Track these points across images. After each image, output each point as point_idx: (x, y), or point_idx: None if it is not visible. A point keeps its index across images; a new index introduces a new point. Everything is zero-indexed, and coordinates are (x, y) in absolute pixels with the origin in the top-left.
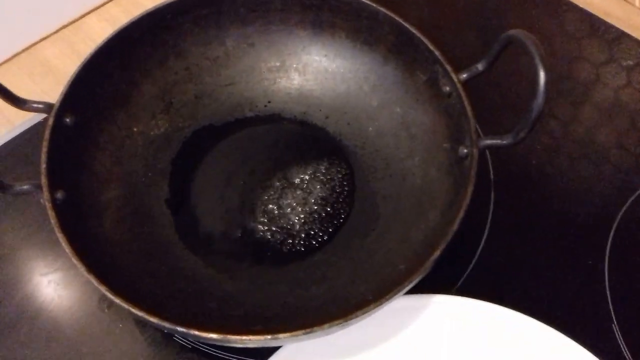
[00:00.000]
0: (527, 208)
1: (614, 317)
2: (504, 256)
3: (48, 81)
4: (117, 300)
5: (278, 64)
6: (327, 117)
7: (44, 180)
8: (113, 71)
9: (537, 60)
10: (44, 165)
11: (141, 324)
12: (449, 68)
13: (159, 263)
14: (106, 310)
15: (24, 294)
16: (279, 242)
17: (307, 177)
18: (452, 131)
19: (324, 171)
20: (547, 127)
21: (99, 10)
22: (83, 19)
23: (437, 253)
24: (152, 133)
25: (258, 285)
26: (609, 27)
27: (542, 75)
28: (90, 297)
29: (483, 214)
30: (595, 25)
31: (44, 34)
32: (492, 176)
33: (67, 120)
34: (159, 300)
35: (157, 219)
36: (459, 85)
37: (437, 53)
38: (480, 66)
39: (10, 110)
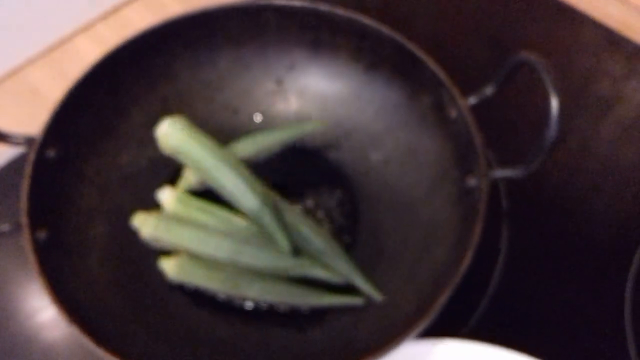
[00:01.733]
0: (544, 239)
1: None
2: (519, 294)
3: (35, 106)
4: (103, 353)
5: (275, 87)
6: (327, 143)
7: (24, 220)
8: (99, 99)
9: (549, 86)
10: (25, 204)
11: None
12: (455, 92)
13: (148, 305)
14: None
15: (9, 336)
16: None
17: (305, 208)
18: (460, 159)
19: (324, 201)
20: (565, 145)
21: (88, 31)
22: (72, 40)
23: (443, 297)
24: (141, 163)
25: (253, 328)
26: (628, 40)
27: (554, 102)
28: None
29: (495, 248)
30: (613, 39)
31: (30, 57)
32: (504, 206)
33: (50, 154)
34: (148, 348)
35: (145, 256)
36: (465, 112)
37: (441, 76)
38: (488, 90)
39: None
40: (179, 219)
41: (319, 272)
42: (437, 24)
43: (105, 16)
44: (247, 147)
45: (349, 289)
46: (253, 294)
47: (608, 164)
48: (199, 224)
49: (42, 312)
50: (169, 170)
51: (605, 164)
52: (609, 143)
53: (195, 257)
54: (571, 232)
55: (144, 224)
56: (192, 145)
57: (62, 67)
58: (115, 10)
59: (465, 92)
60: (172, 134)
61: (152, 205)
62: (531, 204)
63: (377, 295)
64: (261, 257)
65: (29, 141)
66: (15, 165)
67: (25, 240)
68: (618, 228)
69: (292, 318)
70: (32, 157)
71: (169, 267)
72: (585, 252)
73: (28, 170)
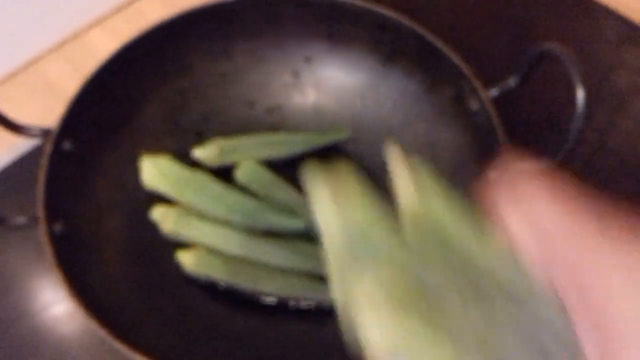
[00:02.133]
0: None
1: None
2: None
3: (50, 99)
4: (120, 346)
5: (291, 79)
6: (345, 137)
7: (41, 213)
8: (115, 92)
9: (575, 78)
10: (41, 197)
11: None
12: (477, 84)
13: (164, 298)
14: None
15: (25, 329)
16: None
17: None
18: (481, 152)
19: None
20: (583, 139)
21: (103, 23)
22: (86, 33)
23: None
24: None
25: (271, 323)
26: None
27: (580, 94)
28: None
29: None
30: (634, 31)
31: (44, 50)
32: None
33: (66, 146)
34: (164, 341)
35: (161, 249)
36: (487, 103)
37: (463, 67)
38: (512, 82)
39: (6, 135)
40: (199, 214)
41: None
42: (454, 15)
43: (119, 9)
44: (268, 148)
45: None
46: (272, 289)
47: (624, 157)
48: (220, 220)
49: (56, 305)
50: (188, 162)
51: (621, 157)
52: (627, 136)
53: (213, 251)
54: None
55: (164, 218)
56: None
57: (77, 60)
58: (129, 2)
59: (486, 84)
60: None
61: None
62: None
63: None
64: (283, 256)
65: (45, 133)
66: (30, 158)
67: (41, 233)
68: None
69: (311, 312)
70: (48, 149)
71: (187, 259)
72: None
73: (44, 162)
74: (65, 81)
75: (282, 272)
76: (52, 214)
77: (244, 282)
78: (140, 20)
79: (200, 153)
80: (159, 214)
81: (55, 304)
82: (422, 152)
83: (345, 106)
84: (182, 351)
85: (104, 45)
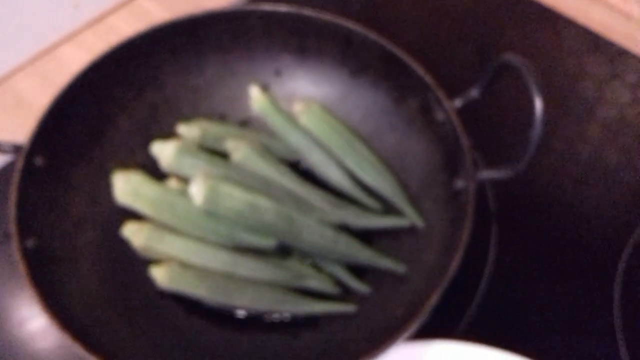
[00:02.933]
0: (532, 240)
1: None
2: (509, 294)
3: (21, 115)
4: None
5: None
6: None
7: (13, 228)
8: (86, 106)
9: (533, 88)
10: (13, 213)
11: None
12: (441, 95)
13: (139, 313)
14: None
15: (1, 345)
16: None
17: None
18: (448, 162)
19: None
20: (550, 147)
21: (74, 38)
22: (58, 48)
23: (433, 299)
24: (129, 169)
25: (246, 334)
26: (610, 43)
27: (538, 103)
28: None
29: (484, 249)
30: (596, 42)
31: (16, 65)
32: (492, 207)
33: (38, 161)
34: (139, 355)
35: (135, 263)
36: (451, 114)
37: (427, 79)
38: (474, 92)
39: None
40: (170, 230)
41: (314, 283)
42: (420, 28)
43: (90, 24)
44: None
45: (340, 297)
46: (245, 302)
47: (592, 165)
48: (192, 235)
49: (32, 320)
50: (160, 173)
51: (589, 165)
52: (593, 145)
53: (186, 265)
54: (558, 233)
55: (135, 234)
56: None
57: (48, 75)
58: (100, 18)
59: (451, 95)
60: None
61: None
62: (518, 206)
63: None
64: (257, 269)
65: (16, 149)
66: (1, 174)
67: (14, 249)
68: (605, 228)
69: (285, 324)
70: (19, 165)
71: (160, 275)
72: (573, 252)
73: (16, 178)
74: (37, 97)
75: (254, 286)
76: (25, 229)
77: (217, 296)
78: (112, 35)
79: (184, 129)
80: (130, 231)
81: (30, 320)
82: (391, 161)
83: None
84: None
85: (76, 60)
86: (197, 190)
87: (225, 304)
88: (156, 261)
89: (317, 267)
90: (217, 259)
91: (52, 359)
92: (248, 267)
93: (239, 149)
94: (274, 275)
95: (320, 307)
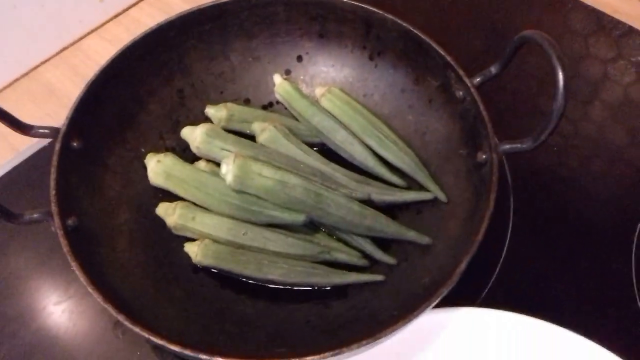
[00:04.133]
0: (547, 213)
1: None
2: (527, 264)
3: (51, 104)
4: (137, 329)
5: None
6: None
7: (54, 208)
8: (118, 91)
9: (555, 61)
10: (53, 192)
11: (159, 350)
12: (461, 73)
13: (175, 286)
14: (121, 336)
15: (38, 324)
16: None
17: None
18: (468, 137)
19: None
20: (558, 128)
21: (99, 30)
22: (84, 39)
23: (462, 265)
24: (161, 151)
25: (278, 304)
26: (617, 23)
27: (560, 76)
28: (105, 324)
29: (503, 222)
30: (602, 22)
31: (45, 57)
32: (510, 182)
33: (75, 144)
34: (178, 326)
35: (170, 240)
36: (473, 90)
37: (448, 58)
38: (493, 69)
39: (14, 136)
40: (201, 208)
41: (342, 256)
42: (433, 15)
43: (114, 17)
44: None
45: (368, 268)
46: (276, 276)
47: (597, 144)
48: (222, 214)
49: (67, 300)
50: (189, 156)
51: (596, 144)
52: (599, 125)
53: (218, 242)
54: (571, 205)
55: (168, 214)
56: None
57: (75, 66)
58: (123, 10)
59: (468, 74)
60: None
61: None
62: (533, 182)
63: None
64: (286, 244)
65: (54, 132)
66: (38, 159)
67: (56, 227)
68: (614, 202)
69: (316, 294)
70: (57, 147)
71: (194, 251)
72: (588, 222)
73: (55, 160)
74: (65, 86)
75: (284, 260)
76: (65, 209)
77: (249, 271)
78: (135, 27)
79: (211, 111)
80: (163, 210)
81: (67, 300)
82: (412, 139)
83: None
84: (195, 334)
85: (101, 51)
86: (228, 169)
87: (257, 278)
88: (189, 239)
89: (345, 241)
90: (247, 236)
91: (87, 338)
92: (278, 242)
93: (265, 131)
94: (304, 249)
95: (350, 278)
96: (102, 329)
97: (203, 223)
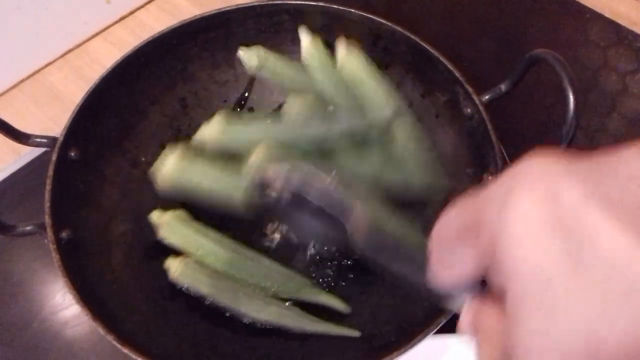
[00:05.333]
0: None
1: None
2: None
3: (54, 107)
4: (126, 350)
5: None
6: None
7: (48, 221)
8: (119, 100)
9: (566, 84)
10: (47, 204)
11: None
12: (470, 89)
13: (170, 302)
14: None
15: (34, 332)
16: None
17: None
18: (475, 156)
19: None
20: (574, 141)
21: (104, 33)
22: (89, 42)
23: None
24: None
25: (256, 341)
26: (636, 36)
27: (571, 99)
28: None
29: None
30: (621, 34)
31: (49, 59)
32: None
33: (72, 154)
34: (170, 344)
35: (168, 252)
36: (481, 108)
37: (457, 73)
38: (503, 87)
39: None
40: (195, 226)
41: (322, 298)
42: (443, 23)
43: (120, 19)
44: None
45: (349, 316)
46: (249, 311)
47: None
48: (211, 234)
49: (65, 309)
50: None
51: None
52: (617, 137)
53: (201, 263)
54: None
55: (161, 223)
56: None
57: (80, 68)
58: (129, 13)
59: (477, 90)
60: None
61: (173, 204)
62: None
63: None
64: (268, 276)
65: (51, 142)
66: (36, 165)
67: (49, 240)
68: None
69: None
70: (54, 157)
71: (174, 267)
72: None
73: (51, 171)
74: (69, 90)
75: (262, 296)
76: (59, 221)
77: (225, 299)
78: (141, 30)
79: (243, 54)
80: (156, 217)
81: (64, 308)
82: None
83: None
84: (187, 356)
85: (106, 54)
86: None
87: (231, 309)
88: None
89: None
90: (231, 263)
91: (85, 345)
92: (258, 274)
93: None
94: (282, 285)
95: (321, 327)
96: (98, 337)
97: (190, 238)
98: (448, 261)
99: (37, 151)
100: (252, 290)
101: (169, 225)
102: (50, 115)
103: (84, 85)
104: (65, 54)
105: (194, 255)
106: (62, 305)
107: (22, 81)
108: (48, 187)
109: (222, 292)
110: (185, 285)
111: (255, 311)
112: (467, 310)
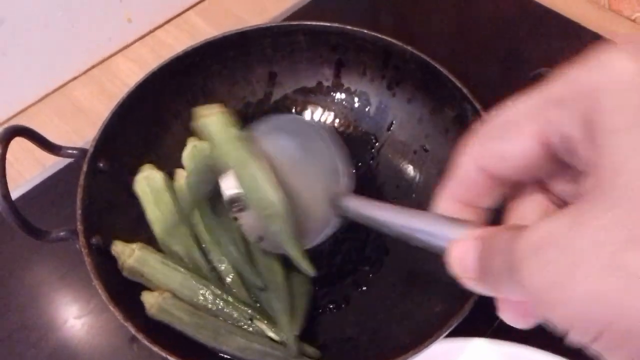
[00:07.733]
0: None
1: None
2: None
3: (78, 121)
4: (155, 349)
5: (304, 101)
6: (353, 157)
7: (80, 227)
8: (144, 114)
9: None
10: (79, 212)
11: None
12: (478, 106)
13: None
14: (136, 350)
15: (59, 336)
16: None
17: None
18: None
19: None
20: None
21: (126, 50)
22: (111, 58)
23: (474, 297)
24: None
25: None
26: None
27: None
28: (123, 338)
29: None
30: None
31: (73, 74)
32: None
33: (101, 164)
34: (195, 344)
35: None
36: None
37: (465, 90)
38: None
39: (41, 152)
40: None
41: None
42: (450, 43)
43: (142, 37)
44: None
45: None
46: (230, 349)
47: None
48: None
49: (88, 315)
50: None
51: None
52: None
53: (178, 298)
54: None
55: (124, 253)
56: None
57: (102, 84)
58: (151, 31)
59: (484, 106)
60: None
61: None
62: None
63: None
64: (242, 316)
65: (81, 153)
66: (63, 174)
67: (80, 245)
68: None
69: (331, 318)
70: (85, 168)
71: (150, 303)
72: None
73: (82, 180)
74: (92, 104)
75: (242, 335)
76: (90, 227)
77: (204, 337)
78: (161, 48)
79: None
80: (120, 248)
81: (88, 313)
82: (428, 169)
83: (353, 126)
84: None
85: (127, 70)
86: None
87: (213, 346)
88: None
89: None
90: (206, 298)
91: (106, 349)
92: (239, 314)
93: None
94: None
95: None
96: (120, 342)
97: (164, 274)
98: (499, 139)
99: (63, 162)
100: (235, 328)
101: (137, 259)
102: (74, 127)
103: (106, 100)
104: (89, 69)
105: (171, 290)
106: (87, 309)
107: (47, 95)
108: (80, 196)
109: (201, 329)
110: (163, 321)
111: (237, 349)
112: (472, 236)
